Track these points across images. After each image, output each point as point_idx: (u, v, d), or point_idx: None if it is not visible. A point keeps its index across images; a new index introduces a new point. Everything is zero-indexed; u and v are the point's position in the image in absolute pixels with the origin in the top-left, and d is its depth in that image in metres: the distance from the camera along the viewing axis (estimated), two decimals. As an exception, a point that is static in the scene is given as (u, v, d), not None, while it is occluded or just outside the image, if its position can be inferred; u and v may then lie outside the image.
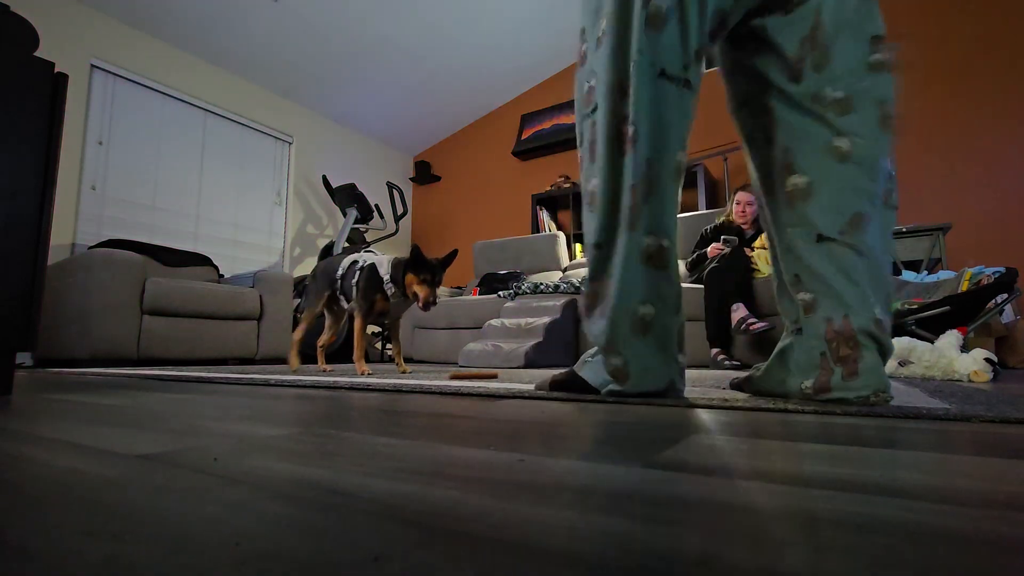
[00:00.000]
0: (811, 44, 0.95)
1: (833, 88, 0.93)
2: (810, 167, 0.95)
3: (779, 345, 1.01)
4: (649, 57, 0.92)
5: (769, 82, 1.00)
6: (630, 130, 0.94)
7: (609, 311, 0.95)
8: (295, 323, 3.87)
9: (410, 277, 1.88)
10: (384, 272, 1.93)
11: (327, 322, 2.27)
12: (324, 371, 2.07)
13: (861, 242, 0.90)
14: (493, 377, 1.65)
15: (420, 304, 1.87)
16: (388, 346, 4.98)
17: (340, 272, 2.08)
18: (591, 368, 1.01)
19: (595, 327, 0.99)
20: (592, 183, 1.00)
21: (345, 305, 2.09)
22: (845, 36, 0.94)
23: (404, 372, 2.00)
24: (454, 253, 2.00)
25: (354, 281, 1.99)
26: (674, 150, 0.95)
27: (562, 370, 1.13)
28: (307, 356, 4.19)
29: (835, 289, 0.90)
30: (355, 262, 2.05)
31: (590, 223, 1.00)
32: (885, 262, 0.93)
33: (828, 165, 0.93)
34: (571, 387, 1.03)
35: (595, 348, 1.01)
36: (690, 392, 1.05)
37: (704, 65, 0.99)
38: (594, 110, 0.99)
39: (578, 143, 1.06)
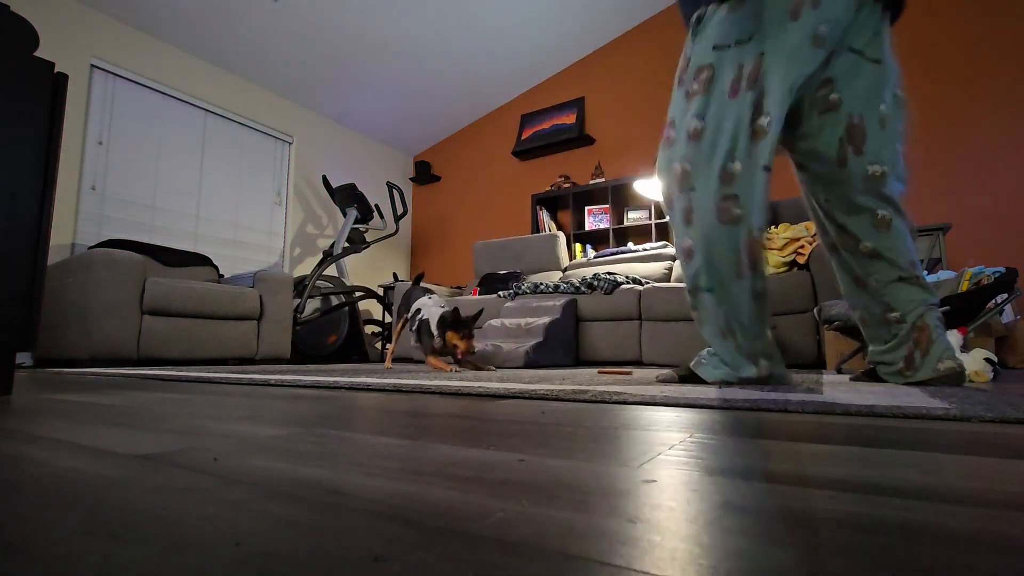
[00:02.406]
0: (848, 138, 1.26)
1: (877, 165, 1.26)
2: (868, 237, 1.31)
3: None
4: (755, 158, 1.22)
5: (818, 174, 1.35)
6: (736, 211, 1.23)
7: (748, 336, 1.29)
8: (295, 322, 3.87)
9: (450, 334, 2.35)
10: (433, 328, 2.42)
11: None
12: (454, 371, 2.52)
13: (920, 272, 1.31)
14: (628, 375, 1.84)
15: (460, 355, 2.33)
16: (387, 346, 4.98)
17: (410, 313, 2.65)
18: (706, 368, 1.34)
19: (727, 343, 1.31)
20: (687, 242, 1.31)
21: (412, 343, 2.64)
22: (880, 129, 1.26)
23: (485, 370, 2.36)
24: (479, 313, 2.54)
25: (413, 328, 2.57)
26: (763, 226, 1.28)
27: (672, 368, 1.45)
28: (308, 357, 4.20)
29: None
30: (419, 310, 2.57)
31: (689, 270, 1.32)
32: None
33: (880, 234, 1.29)
34: (692, 380, 1.35)
35: (706, 351, 1.35)
36: (690, 392, 1.05)
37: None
38: (692, 188, 1.27)
39: (668, 209, 1.36)
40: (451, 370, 2.29)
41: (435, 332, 2.42)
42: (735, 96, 1.22)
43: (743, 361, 1.30)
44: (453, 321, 2.40)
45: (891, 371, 1.34)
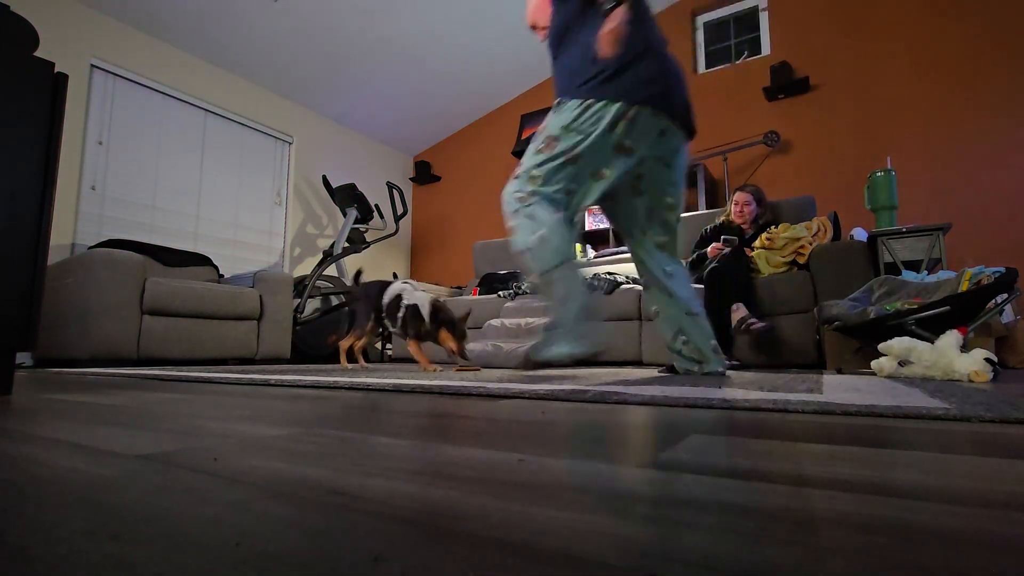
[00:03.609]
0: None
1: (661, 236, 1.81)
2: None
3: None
4: (562, 212, 1.65)
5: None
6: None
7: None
8: (295, 322, 3.87)
9: (444, 334, 2.34)
10: (425, 314, 2.37)
11: (367, 330, 2.64)
12: (346, 368, 2.47)
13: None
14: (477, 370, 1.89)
15: (457, 353, 2.34)
16: (388, 346, 4.98)
17: (385, 300, 2.49)
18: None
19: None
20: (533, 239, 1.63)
21: (392, 328, 2.51)
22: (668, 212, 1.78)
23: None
24: (467, 314, 2.50)
25: (399, 315, 2.42)
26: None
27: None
28: (308, 357, 4.20)
29: None
30: (399, 296, 2.44)
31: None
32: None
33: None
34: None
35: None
36: (689, 392, 1.05)
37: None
38: (529, 206, 1.63)
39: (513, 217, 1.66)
40: (435, 370, 2.23)
41: (426, 317, 2.35)
42: (564, 168, 1.60)
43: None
44: (449, 318, 2.37)
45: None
